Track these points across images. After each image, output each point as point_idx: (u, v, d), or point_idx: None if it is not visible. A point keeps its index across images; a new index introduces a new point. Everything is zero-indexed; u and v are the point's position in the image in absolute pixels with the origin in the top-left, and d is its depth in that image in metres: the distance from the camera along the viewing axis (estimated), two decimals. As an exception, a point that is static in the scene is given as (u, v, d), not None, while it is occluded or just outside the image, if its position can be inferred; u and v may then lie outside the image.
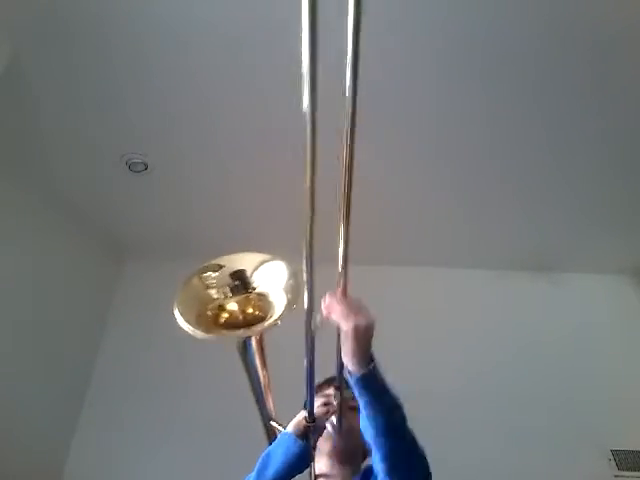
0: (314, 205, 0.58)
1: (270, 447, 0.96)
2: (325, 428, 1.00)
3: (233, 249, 0.99)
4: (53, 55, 1.87)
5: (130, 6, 1.71)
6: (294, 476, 0.94)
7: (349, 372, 0.77)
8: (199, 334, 0.84)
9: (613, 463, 2.56)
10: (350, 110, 0.52)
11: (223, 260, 0.97)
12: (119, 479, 2.51)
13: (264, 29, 1.75)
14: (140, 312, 2.87)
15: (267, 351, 0.98)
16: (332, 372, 1.05)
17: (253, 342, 0.93)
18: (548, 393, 2.68)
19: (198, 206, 2.74)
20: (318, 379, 0.95)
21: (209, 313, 0.92)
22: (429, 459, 0.87)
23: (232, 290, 0.95)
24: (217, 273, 0.96)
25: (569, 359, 2.80)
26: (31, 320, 2.42)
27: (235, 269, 0.96)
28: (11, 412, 2.25)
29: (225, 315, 0.94)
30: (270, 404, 1.06)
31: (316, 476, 1.11)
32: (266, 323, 0.86)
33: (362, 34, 0.45)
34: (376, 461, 0.82)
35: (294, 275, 0.90)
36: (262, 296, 0.93)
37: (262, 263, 0.96)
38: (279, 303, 0.89)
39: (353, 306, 0.74)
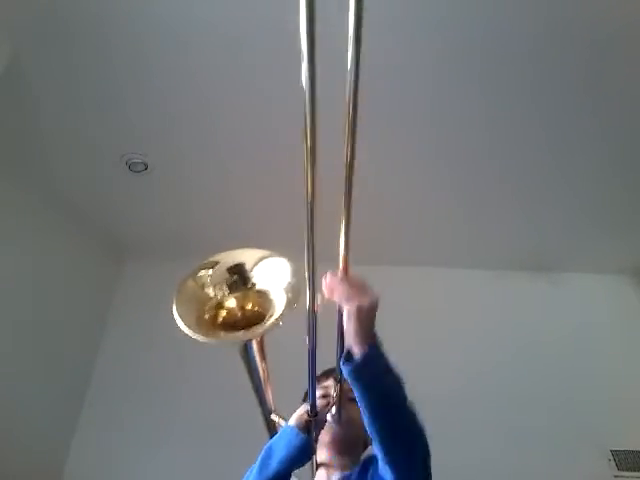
0: (314, 204, 0.58)
1: (272, 440, 0.97)
2: (326, 422, 1.00)
3: (233, 249, 0.98)
4: (53, 55, 1.87)
5: (130, 6, 1.71)
6: (296, 468, 0.95)
7: (348, 355, 0.76)
8: (200, 338, 0.83)
9: (613, 463, 2.56)
10: (351, 107, 0.52)
11: (219, 257, 0.95)
12: (119, 479, 2.51)
13: (264, 29, 1.75)
14: (140, 312, 2.87)
15: (265, 346, 0.98)
16: (329, 364, 1.06)
17: (254, 342, 0.93)
18: (548, 393, 2.68)
19: (198, 206, 2.74)
20: (317, 371, 0.95)
21: (207, 315, 0.90)
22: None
23: (230, 286, 0.93)
24: (213, 270, 0.94)
25: (569, 359, 2.80)
26: (31, 320, 2.42)
27: (233, 263, 0.94)
28: (11, 412, 2.26)
29: (224, 314, 0.92)
30: (270, 398, 1.06)
31: (317, 466, 1.12)
32: (267, 324, 0.85)
33: (362, 33, 0.45)
34: (375, 443, 0.82)
35: (295, 273, 0.88)
36: (262, 293, 0.91)
37: (261, 259, 0.94)
38: (279, 301, 0.87)
39: (355, 285, 0.71)
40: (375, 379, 0.76)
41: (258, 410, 1.12)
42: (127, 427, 2.60)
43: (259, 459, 0.95)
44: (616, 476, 2.53)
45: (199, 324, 0.86)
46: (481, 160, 2.39)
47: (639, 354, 2.85)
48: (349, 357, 0.76)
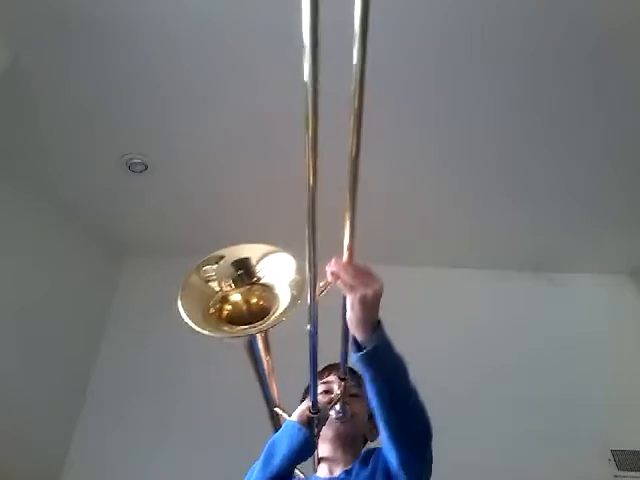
0: (314, 203, 0.58)
1: (275, 435, 0.97)
2: (328, 418, 1.01)
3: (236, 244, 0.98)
4: (53, 55, 1.87)
5: (130, 6, 1.72)
6: (299, 463, 0.96)
7: (354, 341, 0.78)
8: (206, 332, 0.83)
9: (613, 463, 2.56)
10: (357, 104, 0.52)
11: (223, 251, 0.95)
12: (119, 479, 2.50)
13: (264, 29, 1.75)
14: (140, 312, 2.87)
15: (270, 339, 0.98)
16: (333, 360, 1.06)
17: (259, 336, 0.93)
18: (548, 393, 2.67)
19: (198, 206, 2.74)
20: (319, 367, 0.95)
21: (212, 309, 0.90)
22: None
23: (235, 281, 0.93)
24: (218, 265, 0.94)
25: (569, 359, 2.80)
26: (31, 320, 2.42)
27: (238, 258, 0.94)
28: (11, 411, 2.25)
29: (229, 308, 0.92)
30: (275, 391, 1.07)
31: (319, 460, 1.14)
32: (272, 318, 0.85)
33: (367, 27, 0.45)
34: (381, 429, 0.85)
35: (299, 269, 0.88)
36: (267, 287, 0.92)
37: (266, 254, 0.94)
38: (284, 296, 0.87)
39: (360, 274, 0.72)
40: (385, 363, 0.78)
41: (258, 408, 1.12)
42: (127, 427, 2.60)
43: (262, 456, 0.95)
44: (616, 476, 2.52)
45: (204, 319, 0.87)
46: (481, 160, 2.39)
47: (639, 354, 2.85)
48: (357, 344, 0.77)
